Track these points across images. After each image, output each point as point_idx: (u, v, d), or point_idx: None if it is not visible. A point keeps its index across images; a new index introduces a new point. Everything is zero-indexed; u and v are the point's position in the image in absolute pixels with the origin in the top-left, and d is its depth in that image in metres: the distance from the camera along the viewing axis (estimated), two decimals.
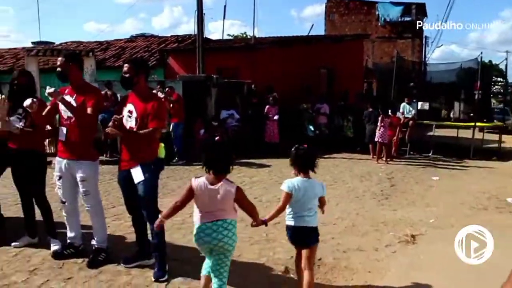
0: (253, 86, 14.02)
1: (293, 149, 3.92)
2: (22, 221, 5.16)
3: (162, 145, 4.28)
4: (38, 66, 12.81)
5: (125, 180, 4.27)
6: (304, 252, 3.84)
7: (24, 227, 5.11)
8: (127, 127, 4.15)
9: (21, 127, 4.62)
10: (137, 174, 4.12)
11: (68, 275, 4.30)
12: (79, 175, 4.40)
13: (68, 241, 4.73)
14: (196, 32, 19.31)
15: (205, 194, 3.34)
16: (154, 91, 11.56)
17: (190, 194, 3.39)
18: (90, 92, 4.46)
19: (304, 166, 3.84)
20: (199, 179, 3.38)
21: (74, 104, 4.36)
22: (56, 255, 4.64)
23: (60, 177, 4.49)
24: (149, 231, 4.38)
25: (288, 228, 3.88)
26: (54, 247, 4.77)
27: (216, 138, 11.79)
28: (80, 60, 4.62)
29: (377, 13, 35.27)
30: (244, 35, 30.72)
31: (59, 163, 4.49)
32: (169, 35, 21.37)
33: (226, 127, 12.40)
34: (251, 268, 4.64)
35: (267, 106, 13.05)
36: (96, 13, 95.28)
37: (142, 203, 4.19)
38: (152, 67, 17.20)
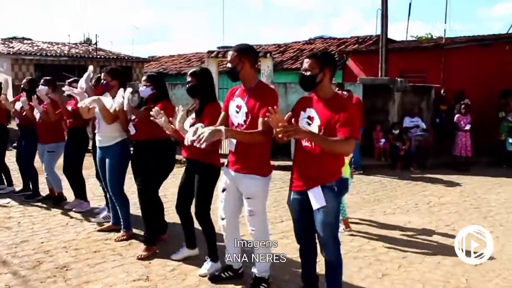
0: (442, 91, 12.39)
1: None
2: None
3: (347, 162, 3.38)
4: (218, 68, 12.96)
5: (299, 204, 3.46)
6: None
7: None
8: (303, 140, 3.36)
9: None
10: (317, 198, 3.27)
11: None
12: (246, 192, 3.71)
13: (227, 262, 4.12)
14: (378, 32, 18.20)
15: None
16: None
17: None
18: (265, 94, 3.65)
19: None
20: None
21: (245, 109, 3.66)
22: (213, 278, 4.07)
23: (224, 189, 3.87)
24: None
25: None
26: (211, 268, 4.22)
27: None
28: (255, 54, 3.80)
29: None
30: (429, 36, 28.42)
31: (226, 174, 3.87)
32: (348, 36, 20.47)
33: (410, 136, 11.05)
34: None
35: (458, 115, 11.36)
36: (273, 18, 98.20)
37: (321, 233, 3.36)
38: None
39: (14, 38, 25.95)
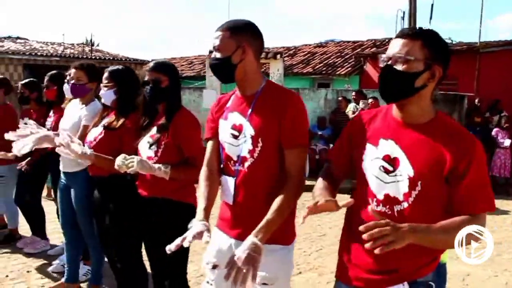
0: (476, 100, 10.86)
1: None
2: None
3: None
4: None
5: None
6: None
7: None
8: None
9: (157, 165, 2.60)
10: None
11: None
12: (261, 273, 1.99)
13: None
14: None
15: None
16: (361, 103, 9.35)
17: None
18: (284, 104, 2.01)
19: None
20: None
21: (251, 131, 2.04)
22: None
23: (215, 266, 2.20)
24: None
25: None
26: None
27: None
28: (260, 37, 2.08)
29: None
30: (449, 40, 26.81)
31: (219, 243, 2.19)
32: (364, 39, 18.92)
33: None
34: None
35: (496, 129, 9.85)
36: (277, 24, 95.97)
37: None
38: (345, 74, 15.05)
39: (9, 37, 24.52)
